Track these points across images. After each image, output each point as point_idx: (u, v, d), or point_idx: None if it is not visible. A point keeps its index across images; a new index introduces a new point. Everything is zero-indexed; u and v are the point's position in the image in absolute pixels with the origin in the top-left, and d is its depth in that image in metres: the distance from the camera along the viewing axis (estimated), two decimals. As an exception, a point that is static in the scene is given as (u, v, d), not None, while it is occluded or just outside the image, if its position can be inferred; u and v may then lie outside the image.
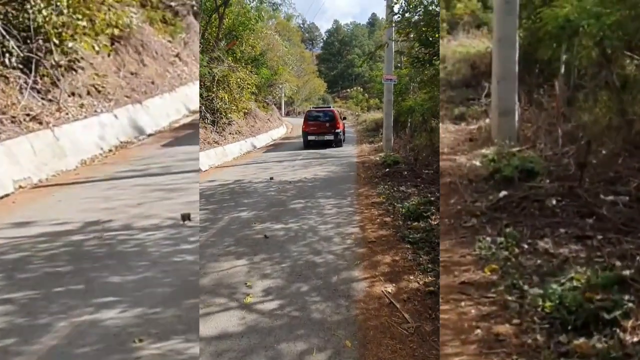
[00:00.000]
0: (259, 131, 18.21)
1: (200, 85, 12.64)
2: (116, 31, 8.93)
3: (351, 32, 59.60)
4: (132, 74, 9.55)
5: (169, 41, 12.21)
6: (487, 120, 6.53)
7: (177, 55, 11.98)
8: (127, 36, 9.88)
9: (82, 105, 7.60)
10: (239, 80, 14.14)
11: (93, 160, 6.97)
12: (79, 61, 7.89)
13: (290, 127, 25.32)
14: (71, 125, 7.00)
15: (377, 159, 10.94)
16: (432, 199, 5.75)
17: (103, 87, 8.45)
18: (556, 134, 5.13)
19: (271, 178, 8.56)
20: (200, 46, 13.15)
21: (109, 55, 9.32)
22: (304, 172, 9.35)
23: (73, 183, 5.84)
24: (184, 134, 9.08)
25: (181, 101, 10.85)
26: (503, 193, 4.15)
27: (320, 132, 15.07)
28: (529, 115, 6.20)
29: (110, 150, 7.54)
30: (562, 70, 6.43)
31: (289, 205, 6.29)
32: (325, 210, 5.93)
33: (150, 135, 8.96)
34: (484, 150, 5.27)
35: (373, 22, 63.68)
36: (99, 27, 8.09)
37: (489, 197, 4.16)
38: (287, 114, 36.45)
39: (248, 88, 14.99)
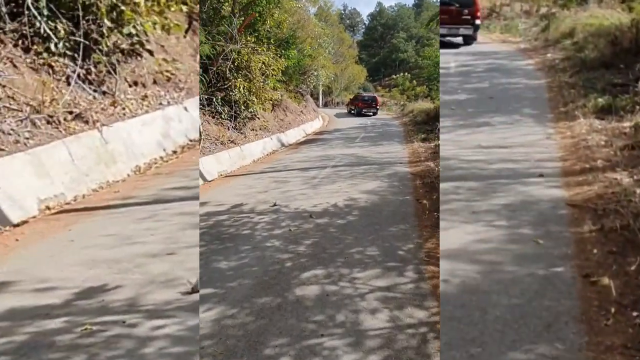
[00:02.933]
0: (290, 125, 15.23)
1: (204, 67, 9.83)
2: (184, 8, 6.98)
3: (396, 15, 54.22)
4: None
5: None
6: None
7: None
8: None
9: (144, 97, 6.27)
10: (262, 65, 11.18)
11: (150, 167, 5.82)
12: (143, 44, 6.39)
13: (326, 119, 22.11)
14: (126, 122, 5.75)
15: (436, 168, 7.47)
16: None
17: (173, 74, 7.01)
18: None
19: (274, 204, 5.55)
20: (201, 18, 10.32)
21: (184, 37, 7.63)
22: (332, 192, 6.21)
23: (99, 208, 4.51)
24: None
25: None
26: None
27: (367, 107, 23.24)
28: None
29: (174, 152, 6.31)
30: None
31: (293, 287, 3.20)
32: (363, 316, 2.75)
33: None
34: None
35: (420, 3, 57.72)
36: (164, 3, 6.26)
37: None
38: (325, 105, 33.22)
39: (274, 75, 11.98)
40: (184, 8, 6.80)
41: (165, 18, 6.31)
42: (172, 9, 6.47)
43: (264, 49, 11.38)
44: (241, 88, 10.55)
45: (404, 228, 4.52)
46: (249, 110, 11.30)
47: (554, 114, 6.39)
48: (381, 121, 21.10)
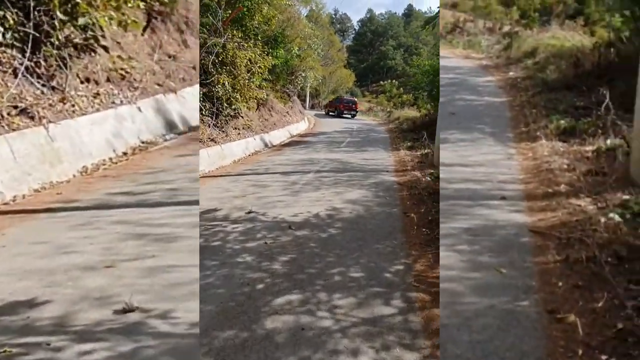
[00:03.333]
0: (274, 126, 14.69)
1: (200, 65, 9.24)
2: (141, 4, 6.62)
3: (386, 22, 54.51)
4: (169, 56, 7.70)
5: None
6: (610, 141, 4.82)
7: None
8: (169, 11, 7.95)
9: (96, 95, 5.91)
10: (248, 62, 10.61)
11: (98, 168, 5.36)
12: (98, 40, 5.96)
13: (312, 121, 21.68)
14: (75, 120, 5.35)
15: (430, 179, 7.14)
16: None
17: (128, 72, 6.68)
18: None
19: (249, 212, 5.03)
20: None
21: (142, 34, 7.26)
22: (314, 201, 5.75)
23: (38, 211, 3.99)
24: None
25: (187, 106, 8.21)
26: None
27: (347, 109, 25.09)
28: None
29: (124, 154, 5.89)
30: None
31: (263, 318, 2.71)
32: (344, 359, 2.30)
33: (181, 134, 7.10)
34: (625, 196, 3.64)
35: (409, 13, 58.36)
36: None
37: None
38: (312, 107, 32.80)
39: (260, 73, 11.44)
40: (141, 5, 6.40)
41: (123, 14, 5.88)
42: (130, 4, 6.03)
43: (251, 45, 10.84)
44: (225, 84, 9.97)
45: (391, 245, 4.09)
46: (232, 108, 10.70)
47: (515, 133, 6.30)
48: (367, 126, 20.85)
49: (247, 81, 10.80)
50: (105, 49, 6.22)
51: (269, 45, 12.47)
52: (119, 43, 6.73)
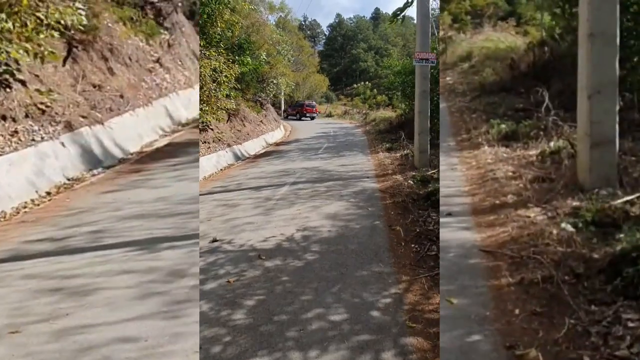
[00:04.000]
0: (248, 136, 13.92)
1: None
2: (55, 34, 5.88)
3: (355, 26, 54.68)
4: (94, 86, 7.24)
5: (149, 44, 9.20)
6: (553, 143, 4.57)
7: (157, 61, 9.01)
8: (92, 39, 7.45)
9: (14, 133, 5.38)
10: (212, 71, 9.85)
11: (18, 212, 4.68)
12: (14, 74, 5.51)
13: (288, 129, 21.00)
14: None
15: (412, 183, 6.60)
16: None
17: (49, 106, 6.10)
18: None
19: (214, 240, 4.32)
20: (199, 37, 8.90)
21: (63, 65, 6.63)
22: (288, 219, 5.07)
23: None
24: (156, 166, 6.31)
25: (159, 117, 8.32)
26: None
27: (308, 112, 27.15)
28: (631, 145, 4.04)
29: (48, 193, 5.26)
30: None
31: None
32: None
33: (110, 167, 6.49)
34: (575, 203, 3.41)
35: (377, 16, 58.84)
36: (31, 29, 5.29)
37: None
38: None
39: (226, 82, 10.68)
40: (56, 34, 5.69)
41: (39, 45, 5.26)
42: (42, 35, 5.36)
43: (214, 54, 10.09)
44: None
45: (377, 270, 3.45)
46: (200, 121, 9.90)
47: (456, 141, 6.24)
48: (344, 130, 20.36)
49: (213, 92, 10.03)
50: (23, 82, 5.62)
51: (235, 52, 11.74)
52: (37, 76, 6.10)
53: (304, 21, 57.27)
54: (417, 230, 4.27)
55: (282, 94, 30.50)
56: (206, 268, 3.59)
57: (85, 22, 6.42)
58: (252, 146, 13.41)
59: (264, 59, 13.46)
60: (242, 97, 14.37)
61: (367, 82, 33.20)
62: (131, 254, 3.68)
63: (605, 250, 2.73)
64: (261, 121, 17.26)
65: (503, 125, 5.47)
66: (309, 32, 56.88)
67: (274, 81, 16.98)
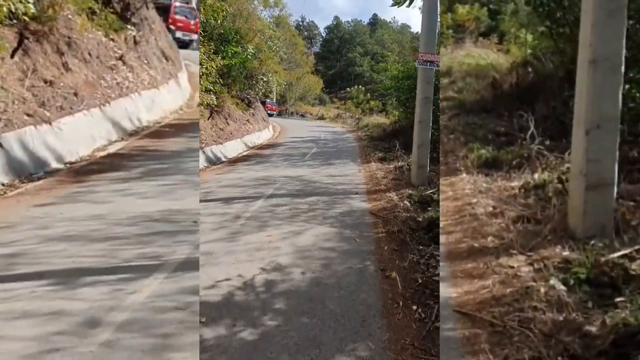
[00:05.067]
0: (231, 136, 12.69)
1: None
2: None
3: (352, 29, 53.85)
4: (46, 82, 6.36)
5: (112, 40, 8.28)
6: (538, 175, 4.05)
7: (120, 58, 8.11)
8: (47, 31, 6.56)
9: None
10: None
11: None
12: None
13: (278, 129, 19.84)
14: None
15: (409, 205, 5.59)
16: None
17: None
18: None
19: None
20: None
21: (12, 57, 5.79)
22: (252, 251, 3.92)
23: None
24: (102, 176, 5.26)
25: (116, 119, 7.43)
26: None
27: (271, 110, 26.06)
28: (630, 188, 3.53)
29: None
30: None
31: None
32: None
33: (51, 172, 5.44)
34: (566, 252, 2.98)
35: (374, 22, 58.19)
36: None
37: None
38: (279, 114, 31.00)
39: (206, 74, 9.52)
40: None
41: None
42: None
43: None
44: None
45: (364, 355, 2.38)
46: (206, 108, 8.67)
47: (360, 159, 6.56)
48: (336, 135, 19.32)
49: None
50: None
51: (219, 42, 10.55)
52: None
53: (302, 22, 56.25)
54: (419, 280, 3.22)
55: (274, 93, 29.34)
56: (109, 342, 2.43)
57: (33, 11, 5.54)
58: (234, 147, 12.19)
59: (251, 51, 12.26)
60: (228, 93, 13.18)
61: (360, 86, 32.26)
62: (42, 289, 2.79)
63: (603, 319, 2.27)
64: (248, 120, 16.03)
65: (483, 151, 4.99)
66: (306, 32, 55.83)
67: (264, 78, 15.79)
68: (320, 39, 57.45)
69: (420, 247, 3.99)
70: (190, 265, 3.26)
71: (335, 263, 3.68)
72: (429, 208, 5.48)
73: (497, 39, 8.63)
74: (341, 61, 50.49)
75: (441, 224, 3.84)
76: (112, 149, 6.79)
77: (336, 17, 54.45)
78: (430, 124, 6.96)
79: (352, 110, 29.44)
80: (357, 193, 6.73)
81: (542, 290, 2.61)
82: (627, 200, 3.34)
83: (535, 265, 2.91)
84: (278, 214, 5.26)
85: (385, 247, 4.09)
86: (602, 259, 2.71)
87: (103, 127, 7.04)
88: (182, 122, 9.12)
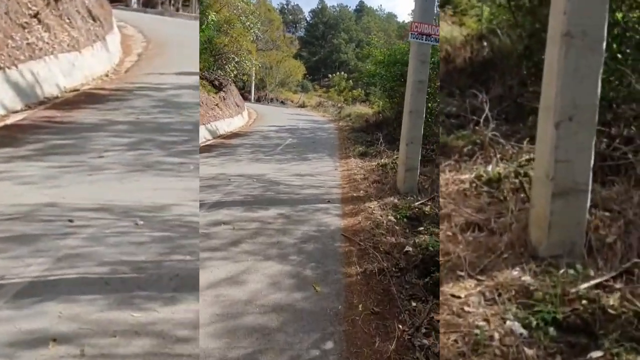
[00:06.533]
0: (193, 122, 10.84)
1: None
2: None
3: (337, 15, 51.46)
4: None
5: None
6: (492, 167, 3.63)
7: (35, 15, 6.74)
8: None
9: None
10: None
11: None
12: None
13: (254, 116, 18.00)
14: None
15: (394, 221, 4.14)
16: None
17: None
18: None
19: None
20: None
21: None
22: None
23: None
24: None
25: (23, 85, 6.07)
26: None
27: None
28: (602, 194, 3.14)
29: None
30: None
31: None
32: None
33: None
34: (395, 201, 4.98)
35: (360, 8, 55.92)
36: None
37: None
38: (258, 100, 28.96)
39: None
40: None
41: None
42: None
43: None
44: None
45: None
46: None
47: (339, 154, 9.06)
48: (315, 124, 17.66)
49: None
50: None
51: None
52: None
53: (286, 4, 53.37)
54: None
55: (254, 77, 27.17)
56: None
57: None
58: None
59: (213, 19, 10.30)
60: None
61: (342, 73, 30.41)
62: None
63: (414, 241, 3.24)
64: (217, 105, 14.09)
65: (360, 148, 7.00)
66: (290, 16, 53.08)
67: (236, 58, 13.82)
68: (305, 24, 54.79)
69: (414, 305, 2.55)
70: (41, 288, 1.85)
71: (280, 338, 2.16)
72: (421, 228, 4.05)
73: (452, 11, 8.03)
74: (325, 47, 48.26)
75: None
76: (10, 120, 5.35)
77: (321, 1, 51.77)
78: (424, 115, 5.48)
79: (334, 98, 27.65)
80: (329, 201, 5.21)
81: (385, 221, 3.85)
82: (600, 210, 2.76)
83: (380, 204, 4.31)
84: (213, 239, 3.66)
85: (360, 307, 2.60)
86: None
87: (5, 94, 5.58)
88: (104, 90, 7.50)
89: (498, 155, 3.54)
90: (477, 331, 2.03)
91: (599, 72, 2.41)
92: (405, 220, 4.35)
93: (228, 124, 13.91)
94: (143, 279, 2.58)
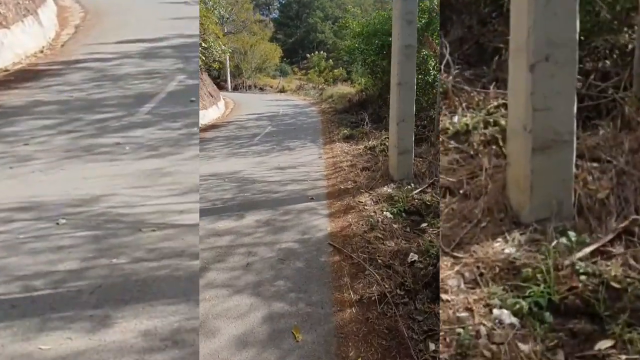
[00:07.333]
0: (161, 118, 9.76)
1: None
2: None
3: (311, -8, 49.07)
4: None
5: None
6: (370, 142, 7.45)
7: None
8: None
9: None
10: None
11: None
12: None
13: (230, 105, 16.84)
14: None
15: (391, 217, 3.39)
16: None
17: None
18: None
19: None
20: None
21: None
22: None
23: None
24: None
25: None
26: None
27: None
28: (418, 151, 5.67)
29: None
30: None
31: None
32: None
33: None
34: (389, 190, 4.77)
35: (334, -16, 53.39)
36: None
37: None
38: (235, 89, 27.54)
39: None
40: None
41: None
42: None
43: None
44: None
45: None
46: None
47: (323, 139, 8.54)
48: (296, 109, 16.61)
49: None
50: None
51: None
52: None
53: (257, -15, 50.51)
54: None
55: (228, 64, 25.64)
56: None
57: None
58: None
59: None
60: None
61: (321, 52, 28.99)
62: None
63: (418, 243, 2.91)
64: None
65: (345, 131, 8.61)
66: (262, -1, 50.43)
67: (204, 44, 12.57)
68: (278, 5, 52.23)
69: (433, 350, 1.83)
70: None
71: None
72: (424, 225, 3.32)
73: (350, 82, 19.48)
74: (301, 27, 46.22)
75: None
76: None
77: (293, -21, 49.14)
78: (415, 88, 4.66)
79: (314, 80, 26.35)
80: (312, 198, 4.42)
81: (380, 217, 3.51)
82: (587, 161, 2.87)
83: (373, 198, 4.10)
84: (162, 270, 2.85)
85: (359, 350, 1.86)
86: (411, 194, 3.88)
87: None
88: (37, 67, 6.53)
89: (464, 104, 3.18)
90: (459, 330, 1.63)
91: (413, 99, 3.40)
92: (403, 215, 3.62)
93: (202, 117, 12.77)
94: (58, 296, 1.83)
